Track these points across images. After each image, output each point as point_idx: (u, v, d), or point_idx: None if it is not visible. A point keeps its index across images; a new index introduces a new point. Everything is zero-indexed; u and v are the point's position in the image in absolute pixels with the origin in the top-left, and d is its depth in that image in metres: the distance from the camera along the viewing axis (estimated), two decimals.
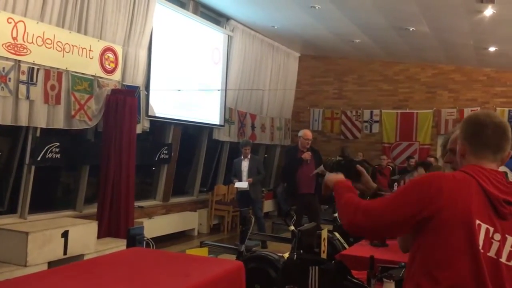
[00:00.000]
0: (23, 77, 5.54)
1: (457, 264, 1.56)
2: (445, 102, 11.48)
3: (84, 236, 5.59)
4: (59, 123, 6.06)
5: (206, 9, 9.16)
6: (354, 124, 12.23)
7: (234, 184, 8.37)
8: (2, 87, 5.32)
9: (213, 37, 9.44)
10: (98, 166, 6.58)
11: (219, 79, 9.65)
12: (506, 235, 1.60)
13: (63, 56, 6.05)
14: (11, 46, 5.40)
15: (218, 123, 9.56)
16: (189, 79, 8.63)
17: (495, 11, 7.09)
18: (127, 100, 6.58)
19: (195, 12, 8.81)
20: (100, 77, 6.61)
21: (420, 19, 8.17)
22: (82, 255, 5.49)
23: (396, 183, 9.39)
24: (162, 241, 7.62)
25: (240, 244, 4.77)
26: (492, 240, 1.58)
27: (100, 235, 6.06)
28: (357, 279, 2.87)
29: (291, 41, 11.28)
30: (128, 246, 3.56)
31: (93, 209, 6.76)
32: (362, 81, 12.18)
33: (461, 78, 11.38)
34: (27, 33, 5.56)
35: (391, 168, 10.63)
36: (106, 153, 6.46)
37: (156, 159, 8.17)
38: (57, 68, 6.00)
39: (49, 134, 6.21)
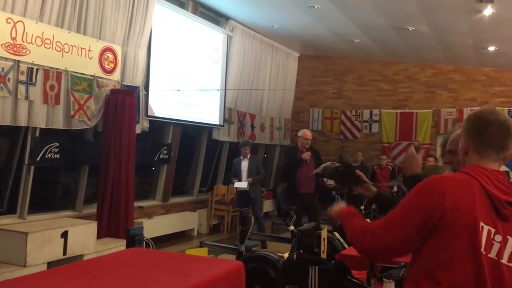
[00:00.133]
0: (22, 77, 5.53)
1: (459, 266, 1.56)
2: (445, 102, 11.48)
3: (83, 236, 5.58)
4: (59, 123, 6.05)
5: (205, 9, 9.15)
6: (354, 124, 12.23)
7: (233, 184, 8.37)
8: (1, 87, 5.31)
9: (213, 37, 9.43)
10: (98, 166, 6.57)
11: (218, 79, 9.64)
12: (508, 236, 1.59)
13: (62, 56, 6.05)
14: (10, 46, 5.40)
15: (217, 123, 9.55)
16: (188, 79, 8.62)
17: (494, 11, 7.09)
18: (126, 100, 6.57)
19: (194, 12, 8.81)
20: (100, 77, 6.61)
21: (419, 19, 8.17)
22: (81, 256, 5.49)
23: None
24: (162, 241, 7.62)
25: (240, 244, 4.76)
26: (493, 242, 1.57)
27: (99, 235, 6.05)
28: (357, 279, 2.87)
29: (290, 41, 11.28)
30: (127, 246, 3.56)
31: (92, 209, 6.76)
32: (361, 81, 12.18)
33: (461, 77, 11.38)
34: (26, 33, 5.55)
35: (391, 168, 10.64)
36: (105, 153, 6.45)
37: (155, 159, 8.17)
38: (56, 68, 5.99)
39: (48, 134, 6.21)
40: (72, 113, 6.18)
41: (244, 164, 8.32)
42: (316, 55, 12.43)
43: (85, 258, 5.40)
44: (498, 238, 1.58)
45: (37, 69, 5.69)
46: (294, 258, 3.25)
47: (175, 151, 8.60)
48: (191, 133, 9.59)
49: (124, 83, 7.01)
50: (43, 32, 5.76)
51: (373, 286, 2.77)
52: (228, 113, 9.78)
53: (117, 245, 5.85)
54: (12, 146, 6.17)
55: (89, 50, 6.40)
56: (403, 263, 2.70)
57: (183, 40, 8.55)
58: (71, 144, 6.62)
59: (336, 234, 5.48)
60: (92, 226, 5.83)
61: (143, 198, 8.33)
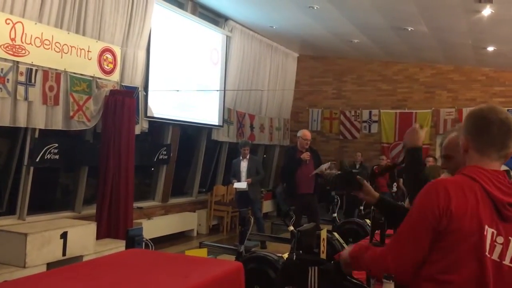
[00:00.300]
0: (22, 78, 5.53)
1: (463, 269, 1.56)
2: (444, 102, 11.49)
3: (83, 237, 5.58)
4: (58, 124, 6.05)
5: (204, 10, 9.15)
6: (353, 124, 12.24)
7: (233, 184, 8.37)
8: (1, 88, 5.31)
9: (212, 38, 9.43)
10: (97, 167, 6.57)
11: (217, 80, 9.64)
12: (510, 238, 1.59)
13: (62, 57, 6.05)
14: (9, 47, 5.40)
15: (217, 124, 9.55)
16: (187, 80, 8.62)
17: (493, 11, 7.10)
18: (125, 101, 6.57)
19: (193, 12, 8.81)
20: (99, 78, 6.61)
21: (418, 19, 8.17)
22: (81, 256, 5.48)
23: (395, 183, 9.40)
24: (161, 241, 7.62)
25: (239, 244, 4.76)
26: (495, 243, 1.57)
27: (99, 236, 6.05)
28: (357, 279, 2.86)
29: (289, 41, 11.28)
30: (127, 247, 3.56)
31: (92, 210, 6.76)
32: (360, 81, 12.19)
33: (460, 78, 11.39)
34: (26, 34, 5.55)
35: None
36: (105, 154, 6.45)
37: (155, 159, 8.17)
38: (56, 69, 5.99)
39: (47, 135, 6.21)
40: (71, 114, 6.18)
41: (244, 165, 8.32)
42: (315, 55, 12.43)
43: (84, 259, 5.40)
44: (500, 239, 1.58)
45: (36, 70, 5.69)
46: (294, 258, 3.25)
47: (174, 151, 8.60)
48: (190, 133, 9.59)
49: (123, 84, 7.01)
50: (42, 33, 5.76)
51: (372, 287, 2.77)
52: (227, 114, 9.78)
53: (117, 246, 5.85)
54: (11, 147, 6.17)
55: (88, 51, 6.40)
56: None
57: (182, 41, 8.55)
58: (70, 145, 6.62)
59: (336, 234, 5.48)
60: (92, 227, 5.83)
61: (143, 199, 8.33)
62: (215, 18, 9.61)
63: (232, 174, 8.48)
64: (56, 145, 6.18)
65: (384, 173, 2.51)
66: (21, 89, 5.52)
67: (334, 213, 6.52)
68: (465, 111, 10.61)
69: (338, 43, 10.70)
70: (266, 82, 11.15)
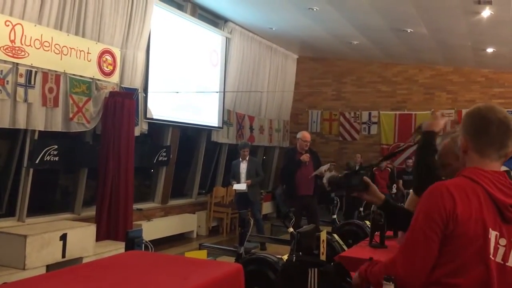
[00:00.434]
0: (21, 80, 5.53)
1: (468, 273, 1.55)
2: (443, 103, 11.49)
3: (82, 239, 5.58)
4: (57, 126, 6.05)
5: (204, 11, 9.16)
6: (353, 126, 12.24)
7: (232, 186, 8.37)
8: (0, 90, 5.31)
9: (211, 39, 9.44)
10: (97, 169, 6.57)
11: (217, 81, 9.65)
12: None
13: (61, 59, 6.05)
14: (9, 49, 5.40)
15: (216, 125, 9.56)
16: (187, 81, 8.63)
17: (492, 12, 7.11)
18: (125, 102, 6.57)
19: (193, 14, 8.81)
20: (98, 80, 6.61)
21: (418, 21, 8.18)
22: (80, 258, 5.48)
23: (394, 185, 9.40)
24: (161, 243, 7.61)
25: (239, 246, 4.76)
26: (498, 246, 1.57)
27: (98, 238, 6.04)
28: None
29: (289, 42, 11.29)
30: (126, 249, 3.55)
31: (91, 211, 6.75)
32: (360, 83, 12.19)
33: (459, 79, 11.40)
34: (25, 35, 5.55)
35: (390, 170, 10.64)
36: (104, 156, 6.45)
37: (154, 161, 8.17)
38: (55, 71, 5.99)
39: (47, 136, 6.20)
40: (71, 115, 6.18)
41: (243, 166, 8.31)
42: (315, 56, 12.44)
43: (84, 260, 5.40)
44: (503, 241, 1.57)
45: (35, 72, 5.69)
46: (294, 260, 3.25)
47: (174, 153, 8.60)
48: (190, 135, 9.59)
49: (123, 86, 7.02)
50: (41, 35, 5.76)
51: None
52: (227, 115, 9.78)
53: (116, 248, 5.84)
54: (11, 148, 6.17)
55: (88, 53, 6.41)
56: None
57: (182, 43, 8.55)
58: (70, 147, 6.62)
59: (335, 236, 5.48)
60: (91, 229, 5.82)
61: (142, 200, 8.33)
62: (215, 19, 9.62)
63: (232, 175, 8.48)
64: (56, 146, 6.18)
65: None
66: (20, 90, 5.52)
67: (334, 214, 6.53)
68: (465, 113, 10.62)
69: (338, 45, 10.71)
70: (266, 84, 11.16)
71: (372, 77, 12.13)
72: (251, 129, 10.78)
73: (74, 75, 6.25)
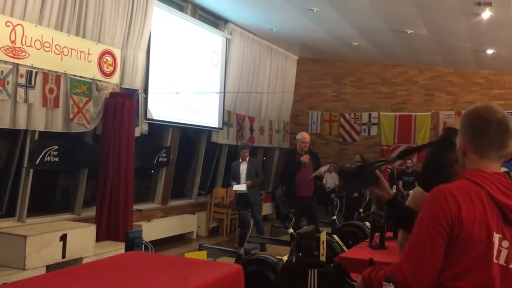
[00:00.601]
0: (22, 81, 5.53)
1: (472, 276, 1.54)
2: (443, 105, 11.50)
3: (82, 239, 5.58)
4: (58, 127, 6.06)
5: (204, 12, 9.17)
6: (353, 127, 12.25)
7: (232, 187, 8.37)
8: (0, 90, 5.32)
9: (212, 40, 9.45)
10: (97, 169, 6.57)
11: (217, 82, 9.66)
12: None
13: (62, 60, 6.05)
14: (10, 49, 5.40)
15: (216, 126, 9.56)
16: (187, 82, 8.63)
17: (492, 14, 7.11)
18: (125, 103, 6.58)
19: (193, 15, 8.82)
20: (99, 80, 6.62)
21: (418, 22, 8.19)
22: (80, 259, 5.48)
23: (394, 186, 9.40)
24: (161, 244, 7.61)
25: (239, 247, 4.76)
26: (501, 248, 1.56)
27: (98, 239, 6.04)
28: (356, 282, 2.87)
29: (289, 44, 11.30)
30: (126, 249, 3.55)
31: (91, 212, 6.75)
32: (360, 84, 12.20)
33: (459, 80, 11.41)
34: (26, 36, 5.56)
35: (390, 171, 10.64)
36: (104, 156, 6.45)
37: (154, 162, 8.17)
38: (56, 72, 6.00)
39: (47, 137, 6.20)
40: (71, 116, 6.18)
41: (243, 167, 8.32)
42: (315, 58, 12.45)
43: (84, 261, 5.40)
44: (506, 244, 1.57)
45: (36, 72, 5.70)
46: (293, 261, 3.26)
47: (174, 154, 8.60)
48: (190, 136, 9.60)
49: (123, 86, 7.02)
50: (42, 35, 5.77)
51: None
52: (227, 116, 9.79)
53: (116, 248, 5.84)
54: (11, 149, 6.17)
55: (88, 53, 6.41)
56: None
57: (182, 43, 8.56)
58: (70, 147, 6.62)
59: (335, 236, 5.49)
60: (91, 229, 5.82)
61: (142, 201, 8.33)
62: (215, 20, 9.62)
63: (232, 176, 8.48)
64: (56, 147, 6.18)
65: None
66: (21, 91, 5.53)
67: (334, 215, 6.53)
68: (463, 114, 10.62)
69: (338, 46, 10.72)
70: (266, 85, 11.16)
71: (372, 78, 12.14)
72: (251, 130, 10.79)
73: (74, 75, 6.25)
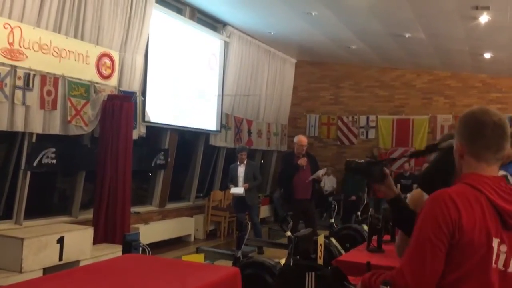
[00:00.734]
0: (19, 83, 5.53)
1: (471, 281, 1.54)
2: (441, 108, 11.52)
3: (79, 242, 5.57)
4: (55, 129, 6.04)
5: (202, 15, 9.18)
6: (351, 130, 12.26)
7: (230, 189, 8.36)
8: None
9: (210, 43, 9.46)
10: (94, 172, 6.56)
11: (215, 85, 9.66)
12: None
13: (60, 62, 6.04)
14: (7, 51, 5.40)
15: (214, 129, 9.56)
16: (185, 85, 8.64)
17: (490, 18, 7.13)
18: (123, 105, 6.57)
19: (191, 18, 8.83)
20: (97, 83, 6.61)
21: (415, 26, 8.21)
22: (77, 261, 5.47)
23: None
24: (159, 247, 7.60)
25: (237, 250, 4.76)
26: (500, 252, 1.56)
27: (96, 241, 6.03)
28: (354, 285, 2.87)
29: (287, 47, 11.32)
30: (123, 252, 3.54)
31: (89, 214, 6.74)
32: (358, 87, 12.22)
33: (457, 84, 11.44)
34: (24, 38, 5.55)
35: None
36: (102, 159, 6.44)
37: (152, 164, 8.16)
38: (54, 74, 5.99)
39: (45, 139, 6.19)
40: (69, 118, 6.17)
41: (241, 170, 8.30)
42: (313, 61, 12.47)
43: (81, 264, 5.39)
44: (504, 248, 1.56)
45: (34, 75, 5.69)
46: (291, 264, 3.25)
47: (172, 156, 8.60)
48: (188, 138, 9.59)
49: (121, 89, 7.01)
50: (40, 38, 5.76)
51: None
52: (225, 119, 9.79)
53: (113, 251, 5.83)
54: (8, 151, 6.15)
55: (86, 56, 6.41)
56: None
57: (181, 46, 8.56)
58: (68, 150, 6.61)
59: (333, 240, 5.49)
60: (89, 232, 5.81)
61: (140, 204, 8.32)
62: (213, 23, 9.63)
63: (230, 179, 8.47)
64: (54, 149, 6.17)
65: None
66: (19, 93, 5.52)
67: (332, 218, 6.53)
68: (459, 117, 10.64)
69: (336, 49, 10.74)
70: (264, 88, 11.18)
71: (370, 81, 12.16)
72: (249, 133, 10.79)
73: (72, 78, 6.24)
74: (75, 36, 6.27)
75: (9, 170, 6.09)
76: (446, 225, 1.54)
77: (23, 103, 5.57)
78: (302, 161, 6.90)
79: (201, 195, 9.85)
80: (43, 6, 5.75)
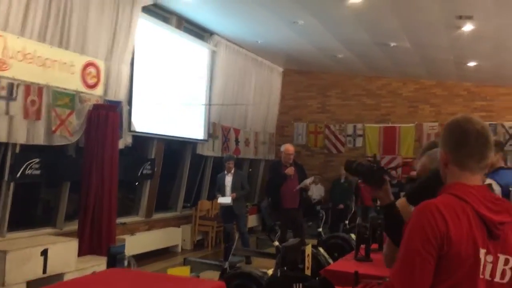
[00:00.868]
0: (3, 93, 5.45)
1: None
2: (427, 116, 11.62)
3: (64, 254, 5.47)
4: (39, 139, 5.96)
5: (189, 24, 9.16)
6: (338, 138, 12.29)
7: (217, 199, 8.31)
8: None
9: (197, 52, 9.44)
10: (80, 182, 6.47)
11: (203, 94, 9.64)
12: (498, 254, 1.57)
13: (44, 71, 5.97)
14: None
15: (201, 138, 9.52)
16: (172, 94, 8.60)
17: (474, 27, 7.23)
18: (109, 115, 6.51)
19: (178, 27, 8.81)
20: (82, 92, 6.54)
21: (401, 35, 8.29)
22: (62, 274, 5.37)
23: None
24: (145, 258, 7.51)
25: (224, 261, 4.71)
26: (486, 263, 1.56)
27: (81, 253, 5.93)
28: None
29: (274, 56, 11.35)
30: (108, 265, 3.49)
31: (74, 226, 6.64)
32: (345, 96, 12.28)
33: (442, 92, 11.55)
34: (7, 47, 5.48)
35: None
36: (87, 169, 6.36)
37: (139, 174, 8.08)
38: (38, 83, 5.91)
39: (29, 150, 6.10)
40: (53, 128, 6.09)
41: (228, 179, 8.27)
42: (300, 69, 12.52)
43: (65, 276, 5.29)
44: (490, 258, 1.56)
45: (18, 84, 5.61)
46: (278, 275, 3.22)
47: (158, 166, 8.53)
48: (175, 148, 9.53)
49: (106, 98, 6.95)
50: (24, 47, 5.69)
51: None
52: (212, 128, 9.76)
53: (98, 263, 5.74)
54: None
55: (71, 65, 6.34)
56: (387, 278, 2.68)
57: (167, 55, 8.53)
58: (52, 160, 6.52)
59: (321, 249, 5.47)
60: (73, 244, 5.71)
61: (126, 214, 8.22)
62: (200, 32, 9.63)
63: (217, 188, 8.43)
64: (38, 160, 6.08)
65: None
66: (2, 103, 5.43)
67: (319, 227, 6.51)
68: (444, 126, 10.75)
69: (323, 58, 10.79)
70: (251, 97, 11.17)
71: (356, 90, 12.23)
72: (237, 141, 10.76)
73: (57, 87, 6.17)
74: (60, 45, 6.21)
75: None
76: (435, 237, 1.53)
77: (7, 113, 5.49)
78: (290, 170, 6.89)
79: (188, 205, 9.77)
80: (28, 15, 5.69)
